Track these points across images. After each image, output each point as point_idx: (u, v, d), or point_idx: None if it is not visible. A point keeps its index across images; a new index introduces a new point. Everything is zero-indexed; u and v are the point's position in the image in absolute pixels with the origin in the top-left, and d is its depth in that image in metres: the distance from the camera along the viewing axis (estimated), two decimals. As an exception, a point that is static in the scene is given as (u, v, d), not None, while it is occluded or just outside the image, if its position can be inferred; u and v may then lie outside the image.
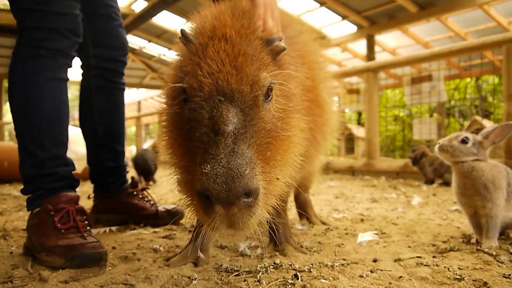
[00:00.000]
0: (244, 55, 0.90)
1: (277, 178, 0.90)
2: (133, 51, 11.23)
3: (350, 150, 9.33)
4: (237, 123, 0.83)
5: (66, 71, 1.57)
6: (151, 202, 2.00)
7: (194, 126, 0.86)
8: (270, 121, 0.90)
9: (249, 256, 1.35)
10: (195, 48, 0.95)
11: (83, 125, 1.98)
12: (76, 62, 1.72)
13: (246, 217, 0.80)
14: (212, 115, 0.84)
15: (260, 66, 0.91)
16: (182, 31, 0.99)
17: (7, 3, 1.51)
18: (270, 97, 0.92)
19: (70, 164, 1.56)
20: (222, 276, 1.12)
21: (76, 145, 3.78)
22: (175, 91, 0.97)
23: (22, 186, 1.52)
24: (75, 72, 2.01)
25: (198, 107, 0.86)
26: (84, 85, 1.96)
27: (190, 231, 1.78)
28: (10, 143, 4.64)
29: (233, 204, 0.77)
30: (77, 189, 1.57)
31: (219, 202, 0.77)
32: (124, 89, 2.03)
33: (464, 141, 1.46)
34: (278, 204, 0.94)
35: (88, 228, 1.41)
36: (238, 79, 0.87)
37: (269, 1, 1.08)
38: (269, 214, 0.91)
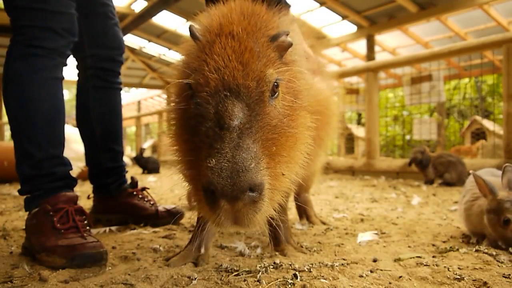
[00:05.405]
0: (250, 52, 0.90)
1: (283, 174, 0.89)
2: (133, 51, 11.24)
3: (350, 150, 9.33)
4: (243, 117, 0.83)
5: (62, 70, 1.54)
6: (151, 202, 1.99)
7: (200, 121, 0.86)
8: (276, 117, 0.89)
9: (249, 256, 1.35)
10: (202, 45, 0.94)
11: (81, 125, 1.97)
12: (72, 61, 1.70)
13: (252, 213, 0.79)
14: (218, 109, 0.83)
15: (266, 63, 0.91)
16: (190, 27, 0.98)
17: None
18: (277, 93, 0.92)
19: (67, 164, 1.54)
20: (222, 276, 1.12)
21: (77, 145, 3.77)
22: (182, 89, 0.96)
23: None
24: (73, 71, 2.01)
25: (204, 102, 0.86)
26: (81, 85, 1.95)
27: (190, 231, 1.78)
28: (10, 143, 4.65)
29: (238, 199, 0.76)
30: (76, 189, 1.56)
31: (224, 196, 0.76)
32: (120, 89, 2.02)
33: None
34: (282, 201, 0.93)
35: (87, 228, 1.40)
36: (244, 75, 0.86)
37: None
38: (274, 211, 0.90)
